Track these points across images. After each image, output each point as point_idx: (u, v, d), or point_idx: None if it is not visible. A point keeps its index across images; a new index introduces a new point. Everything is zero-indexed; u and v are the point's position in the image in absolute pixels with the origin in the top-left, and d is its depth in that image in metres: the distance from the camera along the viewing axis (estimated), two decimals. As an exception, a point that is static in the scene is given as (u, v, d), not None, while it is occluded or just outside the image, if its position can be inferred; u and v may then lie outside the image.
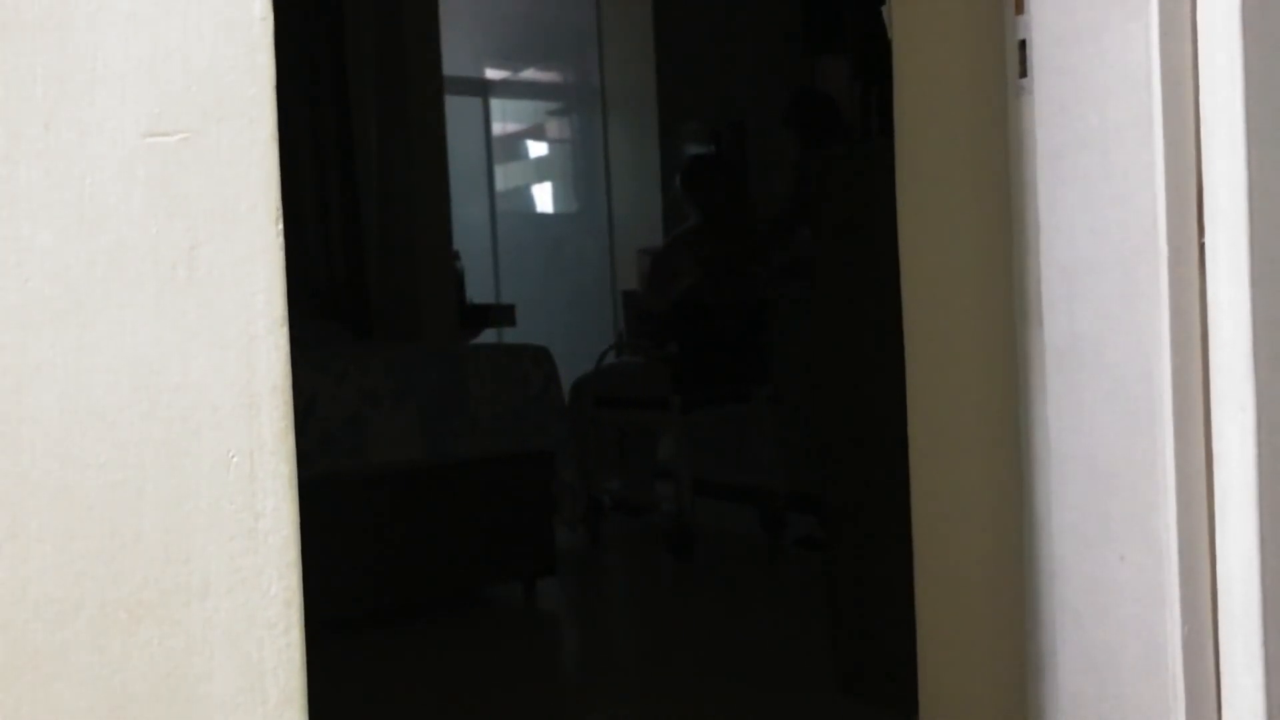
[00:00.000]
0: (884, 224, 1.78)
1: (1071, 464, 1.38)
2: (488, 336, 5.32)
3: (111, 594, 0.68)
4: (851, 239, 2.52)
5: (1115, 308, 1.32)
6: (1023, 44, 1.44)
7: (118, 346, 0.68)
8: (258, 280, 0.71)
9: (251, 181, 0.71)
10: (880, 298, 2.08)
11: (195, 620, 0.70)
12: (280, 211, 0.72)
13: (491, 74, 6.69)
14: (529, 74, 6.82)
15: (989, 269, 1.56)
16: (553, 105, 6.85)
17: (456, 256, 5.08)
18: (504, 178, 6.77)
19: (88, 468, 0.68)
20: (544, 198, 6.89)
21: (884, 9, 1.69)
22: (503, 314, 5.22)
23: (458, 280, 5.06)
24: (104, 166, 0.68)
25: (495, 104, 6.69)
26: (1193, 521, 1.30)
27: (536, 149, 6.92)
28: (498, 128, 6.73)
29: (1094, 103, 1.33)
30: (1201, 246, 1.29)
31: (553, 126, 6.83)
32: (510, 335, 5.35)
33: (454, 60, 5.36)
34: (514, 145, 6.88)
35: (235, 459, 0.71)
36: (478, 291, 5.69)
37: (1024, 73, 1.44)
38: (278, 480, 0.71)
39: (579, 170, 6.58)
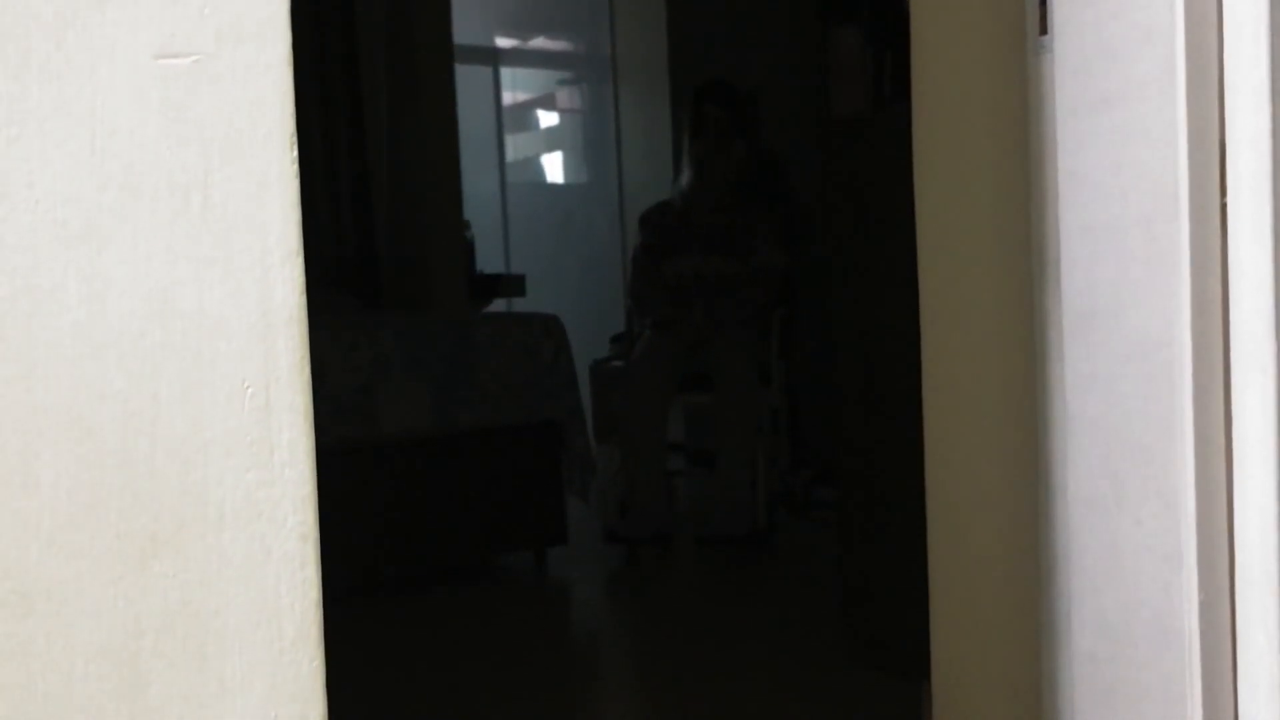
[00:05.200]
0: (900, 189, 1.76)
1: (1088, 427, 1.37)
2: (498, 306, 5.31)
3: (125, 526, 0.67)
4: (866, 204, 2.49)
5: (1135, 269, 1.31)
6: (1043, 1, 1.42)
7: (131, 273, 0.67)
8: (273, 208, 0.70)
9: (266, 106, 0.69)
10: (893, 263, 2.06)
11: (210, 553, 0.69)
12: (295, 138, 0.70)
13: (502, 43, 6.65)
14: (539, 43, 6.78)
15: (1007, 230, 1.54)
16: (564, 74, 6.81)
17: (467, 226, 5.07)
18: (514, 147, 6.74)
19: (101, 398, 0.67)
20: (554, 167, 6.86)
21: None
22: (513, 284, 5.21)
23: (468, 250, 5.04)
24: (116, 88, 0.67)
25: (506, 73, 6.65)
26: (1210, 486, 1.28)
27: (547, 118, 6.89)
28: (508, 97, 6.69)
29: (1115, 60, 1.31)
30: (1224, 207, 1.27)
31: (564, 96, 6.79)
32: (520, 305, 5.34)
33: (464, 28, 5.32)
34: (524, 115, 6.85)
35: (250, 390, 0.70)
36: (488, 261, 5.67)
37: (1044, 30, 1.42)
38: (294, 412, 0.70)
39: (590, 140, 6.55)
